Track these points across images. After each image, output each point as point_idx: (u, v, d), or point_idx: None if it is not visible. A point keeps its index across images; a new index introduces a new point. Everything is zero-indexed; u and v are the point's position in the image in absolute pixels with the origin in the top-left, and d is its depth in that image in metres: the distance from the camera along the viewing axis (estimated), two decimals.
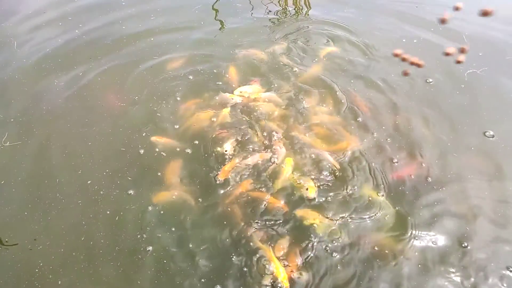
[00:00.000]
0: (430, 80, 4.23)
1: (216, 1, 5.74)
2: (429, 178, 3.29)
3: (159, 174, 3.30)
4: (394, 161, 3.38)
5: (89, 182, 3.26)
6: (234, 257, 2.75)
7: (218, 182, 3.19)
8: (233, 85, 4.14)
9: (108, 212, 3.04)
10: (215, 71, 4.36)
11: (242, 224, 2.93)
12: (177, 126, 3.69)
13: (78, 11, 5.38)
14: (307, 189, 3.07)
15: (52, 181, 3.28)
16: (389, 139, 3.59)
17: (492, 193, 3.19)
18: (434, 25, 5.12)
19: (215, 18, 5.38)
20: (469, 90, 4.13)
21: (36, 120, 3.80)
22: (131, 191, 3.17)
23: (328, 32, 5.03)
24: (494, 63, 4.48)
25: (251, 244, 2.81)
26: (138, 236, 2.88)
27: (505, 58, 4.56)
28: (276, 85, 4.17)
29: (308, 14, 5.57)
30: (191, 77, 4.28)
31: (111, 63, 4.49)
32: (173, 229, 2.92)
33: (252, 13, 5.48)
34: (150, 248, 2.81)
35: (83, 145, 3.57)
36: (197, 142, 3.55)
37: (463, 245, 2.83)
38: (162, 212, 3.04)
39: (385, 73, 4.36)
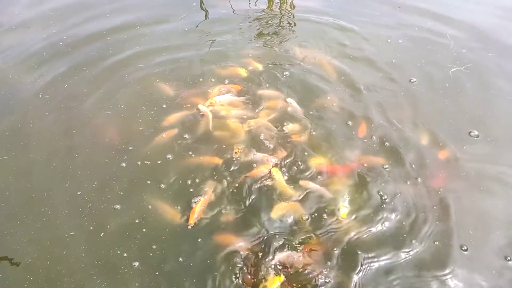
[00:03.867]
0: (414, 79, 4.26)
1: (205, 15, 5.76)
2: (419, 179, 3.33)
3: (149, 182, 3.33)
4: (385, 166, 3.42)
5: (78, 193, 3.26)
6: (221, 277, 2.75)
7: (189, 226, 3.03)
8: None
9: (91, 228, 3.04)
10: (201, 79, 4.38)
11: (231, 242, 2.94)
12: (165, 135, 3.70)
13: (63, 26, 5.35)
14: (338, 209, 3.10)
15: (39, 195, 3.27)
16: (374, 140, 3.64)
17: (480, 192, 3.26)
18: (418, 25, 5.17)
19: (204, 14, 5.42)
20: (453, 89, 4.17)
21: (23, 134, 3.78)
22: (117, 206, 3.17)
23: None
24: (477, 60, 4.53)
25: (238, 263, 2.81)
26: (119, 251, 2.88)
27: (488, 55, 4.60)
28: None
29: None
30: (176, 82, 4.32)
31: (96, 73, 4.49)
32: (158, 244, 2.92)
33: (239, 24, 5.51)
34: (136, 263, 2.82)
35: (70, 157, 3.57)
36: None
37: (463, 248, 2.88)
38: (145, 228, 3.02)
39: (367, 74, 4.42)
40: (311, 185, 3.27)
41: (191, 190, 3.26)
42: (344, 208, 3.08)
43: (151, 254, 2.86)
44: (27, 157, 3.58)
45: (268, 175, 3.33)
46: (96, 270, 2.78)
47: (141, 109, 4.00)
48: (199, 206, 3.09)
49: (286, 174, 3.37)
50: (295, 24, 5.45)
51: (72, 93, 4.23)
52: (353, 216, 3.06)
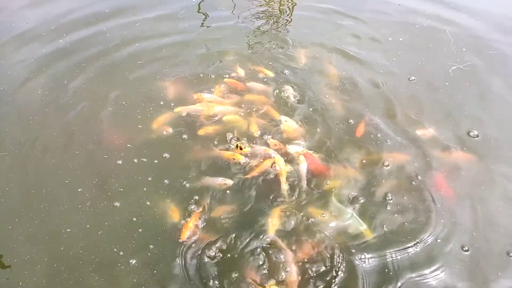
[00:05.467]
0: (413, 78, 4.24)
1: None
2: (419, 176, 3.33)
3: (150, 179, 3.33)
4: (385, 164, 3.41)
5: (79, 190, 3.27)
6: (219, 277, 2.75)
7: (180, 240, 2.92)
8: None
9: (88, 225, 3.05)
10: (201, 75, 4.38)
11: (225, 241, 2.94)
12: (165, 132, 3.71)
13: (61, 20, 5.34)
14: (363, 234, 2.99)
15: (39, 191, 3.28)
16: (373, 138, 3.64)
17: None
18: (418, 22, 5.15)
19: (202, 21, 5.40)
20: (453, 88, 4.16)
21: (22, 130, 3.79)
22: (116, 203, 3.18)
23: None
24: (477, 58, 4.51)
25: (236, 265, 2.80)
26: (116, 249, 2.90)
27: (488, 53, 4.58)
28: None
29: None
30: (175, 78, 4.32)
31: (96, 70, 4.49)
32: (156, 243, 2.93)
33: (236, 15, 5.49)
34: (133, 261, 2.83)
35: (70, 154, 3.57)
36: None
37: (464, 248, 2.88)
38: (143, 227, 3.02)
39: (367, 72, 4.41)
40: (302, 166, 3.30)
41: (189, 188, 3.26)
42: (367, 229, 2.97)
43: (148, 254, 2.86)
44: (27, 154, 3.58)
45: (273, 167, 3.34)
46: (94, 266, 2.80)
47: (140, 105, 4.00)
48: (192, 222, 2.99)
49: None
50: (291, 18, 5.48)
51: (72, 89, 4.23)
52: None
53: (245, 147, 3.45)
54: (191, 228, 2.94)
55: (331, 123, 3.78)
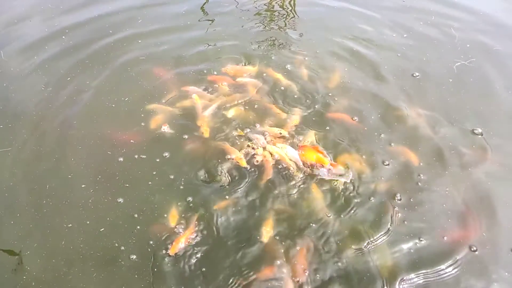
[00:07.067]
0: (417, 74, 4.21)
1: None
2: (421, 175, 3.29)
3: (154, 173, 3.34)
4: (385, 163, 3.38)
5: (83, 186, 3.29)
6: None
7: (169, 253, 2.85)
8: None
9: (92, 218, 3.08)
10: (205, 71, 4.38)
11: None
12: (166, 130, 3.72)
13: (63, 17, 5.38)
14: None
15: (42, 186, 3.31)
16: (375, 135, 3.61)
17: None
18: (424, 17, 5.10)
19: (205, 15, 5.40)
20: (458, 84, 4.11)
21: (26, 126, 3.82)
22: (119, 199, 3.19)
23: None
24: (482, 54, 4.47)
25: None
26: (117, 245, 2.91)
27: (493, 49, 4.53)
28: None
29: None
30: (178, 76, 4.32)
31: (98, 66, 4.51)
32: (155, 239, 2.94)
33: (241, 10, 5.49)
34: (134, 256, 2.84)
35: (72, 149, 3.60)
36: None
37: (472, 249, 2.85)
38: (144, 223, 3.03)
39: (371, 67, 4.38)
40: (288, 149, 3.33)
41: (189, 186, 3.27)
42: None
43: (149, 249, 2.87)
44: (30, 149, 3.61)
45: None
46: (94, 262, 2.82)
47: (142, 102, 4.00)
48: (185, 237, 2.91)
49: None
50: (295, 11, 5.48)
51: (75, 85, 4.25)
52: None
53: (257, 148, 3.43)
54: (182, 244, 2.88)
55: (332, 120, 3.76)
